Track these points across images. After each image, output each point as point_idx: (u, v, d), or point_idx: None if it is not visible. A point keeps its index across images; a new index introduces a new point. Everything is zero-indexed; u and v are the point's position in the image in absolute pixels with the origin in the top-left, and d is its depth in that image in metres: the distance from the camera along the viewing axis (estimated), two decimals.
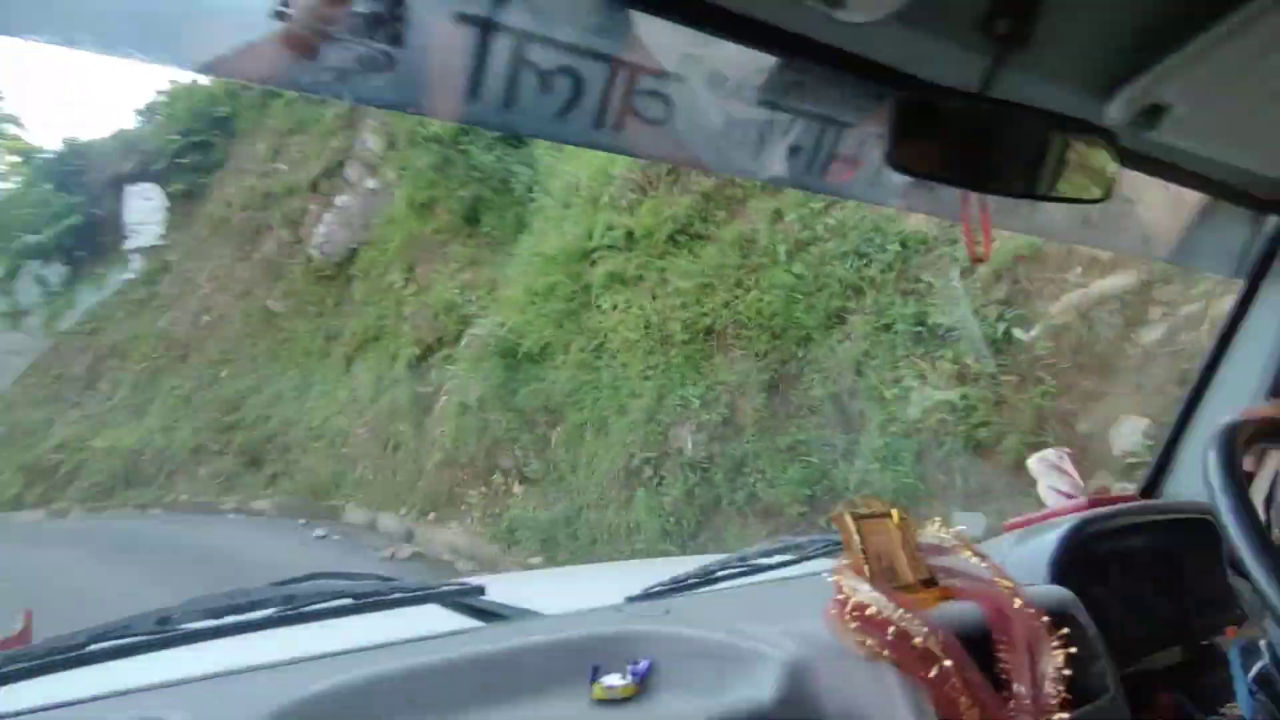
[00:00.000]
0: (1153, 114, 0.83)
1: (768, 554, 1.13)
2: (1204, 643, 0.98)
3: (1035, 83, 0.82)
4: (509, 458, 6.14)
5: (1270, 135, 0.97)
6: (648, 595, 0.97)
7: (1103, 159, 0.80)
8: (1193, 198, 1.28)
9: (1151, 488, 1.37)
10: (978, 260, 0.93)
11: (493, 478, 6.22)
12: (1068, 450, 1.10)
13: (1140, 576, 1.03)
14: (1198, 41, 0.76)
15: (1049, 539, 0.93)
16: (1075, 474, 1.08)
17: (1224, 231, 1.33)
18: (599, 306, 5.92)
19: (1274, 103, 0.89)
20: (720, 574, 1.06)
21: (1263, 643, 0.77)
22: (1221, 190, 1.16)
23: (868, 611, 0.62)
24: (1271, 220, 1.24)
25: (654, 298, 5.67)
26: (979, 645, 0.68)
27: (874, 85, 0.84)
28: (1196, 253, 1.37)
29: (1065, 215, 1.06)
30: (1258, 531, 0.64)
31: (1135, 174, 1.10)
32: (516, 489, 6.00)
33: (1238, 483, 0.68)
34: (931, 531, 0.80)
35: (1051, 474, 1.09)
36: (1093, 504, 1.03)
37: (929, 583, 0.75)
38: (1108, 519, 1.00)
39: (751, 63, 0.87)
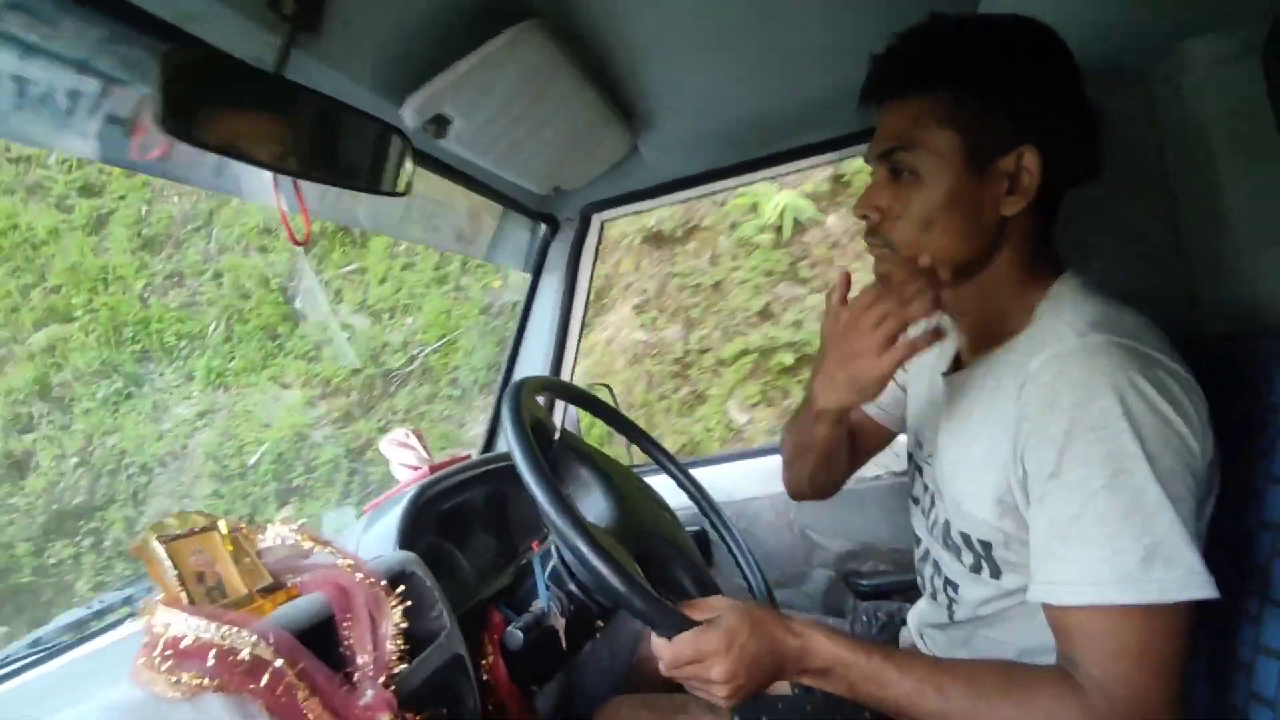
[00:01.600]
0: (440, 123, 0.96)
1: (79, 625, 0.89)
2: (523, 562, 1.23)
3: (332, 74, 0.85)
4: None
5: (527, 159, 1.25)
6: None
7: (402, 157, 0.89)
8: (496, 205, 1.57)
9: (489, 445, 1.64)
10: (298, 244, 0.91)
11: None
12: (413, 428, 1.21)
13: (477, 522, 1.22)
14: (465, 63, 0.91)
15: (396, 511, 1.00)
16: (421, 447, 1.19)
17: (517, 234, 1.68)
18: None
19: (525, 131, 1.15)
20: None
21: (553, 547, 0.99)
22: (506, 200, 1.45)
23: (183, 644, 0.54)
24: (542, 227, 1.63)
25: None
26: (327, 631, 0.68)
27: (153, 40, 0.73)
28: (501, 251, 1.67)
29: (388, 210, 1.15)
30: (534, 458, 0.80)
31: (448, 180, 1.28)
32: None
33: (521, 424, 0.85)
34: (275, 533, 0.76)
35: (400, 452, 1.18)
36: (433, 470, 1.17)
37: (273, 588, 0.70)
38: (444, 480, 1.15)
39: None
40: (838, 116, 1.37)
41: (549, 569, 0.98)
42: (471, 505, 1.23)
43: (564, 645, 0.96)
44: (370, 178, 0.85)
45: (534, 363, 1.65)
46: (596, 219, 1.63)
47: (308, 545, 0.74)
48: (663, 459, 1.20)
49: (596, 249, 1.69)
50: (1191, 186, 1.17)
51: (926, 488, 0.98)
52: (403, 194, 0.88)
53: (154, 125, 0.58)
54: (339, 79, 0.86)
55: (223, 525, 0.67)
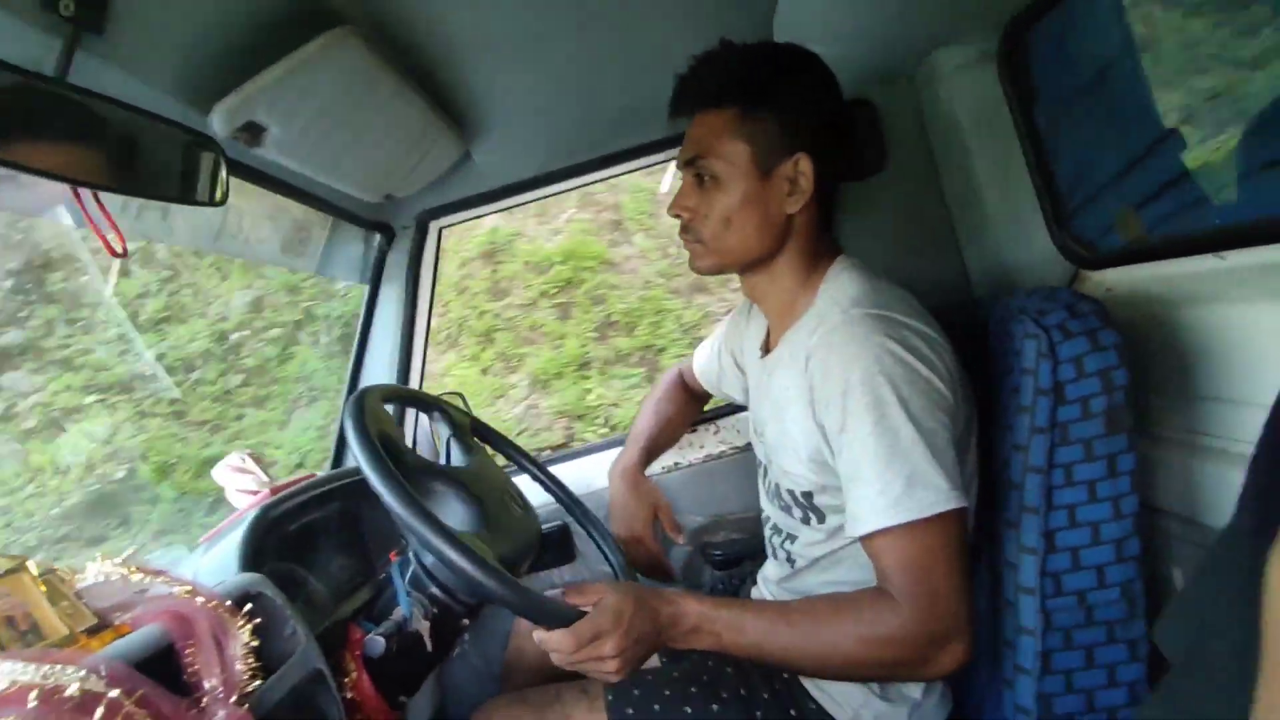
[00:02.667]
0: (253, 131, 0.93)
1: None
2: (382, 576, 1.20)
3: (127, 79, 0.80)
4: None
5: (354, 167, 1.22)
6: None
7: (214, 167, 0.85)
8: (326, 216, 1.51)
9: (338, 461, 1.57)
10: (118, 255, 0.84)
11: None
12: (248, 451, 1.14)
13: (328, 542, 1.17)
14: (276, 69, 0.88)
15: (234, 537, 0.95)
16: (260, 471, 1.13)
17: (350, 245, 1.63)
18: None
19: (349, 138, 1.13)
20: None
21: (411, 553, 0.99)
22: (336, 210, 1.40)
23: (1, 690, 0.50)
24: (376, 237, 1.59)
25: None
26: (168, 659, 0.64)
27: None
28: (334, 264, 1.60)
29: (203, 224, 1.08)
30: (383, 466, 0.80)
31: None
32: None
33: (366, 434, 0.84)
34: (97, 570, 0.70)
35: (236, 477, 1.11)
36: (274, 492, 1.11)
37: (99, 628, 0.65)
38: (287, 500, 1.09)
39: None
40: (663, 118, 1.46)
41: (409, 576, 0.97)
42: (321, 525, 1.18)
43: (429, 648, 0.96)
44: (180, 189, 0.81)
45: (380, 369, 1.60)
46: (434, 226, 1.62)
47: (138, 579, 0.70)
48: (521, 459, 1.23)
49: (436, 256, 1.67)
50: (953, 174, 1.38)
51: (760, 460, 1.10)
52: (218, 204, 0.84)
53: None
54: (136, 85, 0.81)
55: (32, 566, 0.62)
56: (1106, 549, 0.85)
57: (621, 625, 0.78)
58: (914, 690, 0.96)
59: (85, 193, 0.72)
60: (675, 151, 1.56)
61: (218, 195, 0.84)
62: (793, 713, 0.97)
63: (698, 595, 0.86)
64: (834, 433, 0.85)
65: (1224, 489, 0.88)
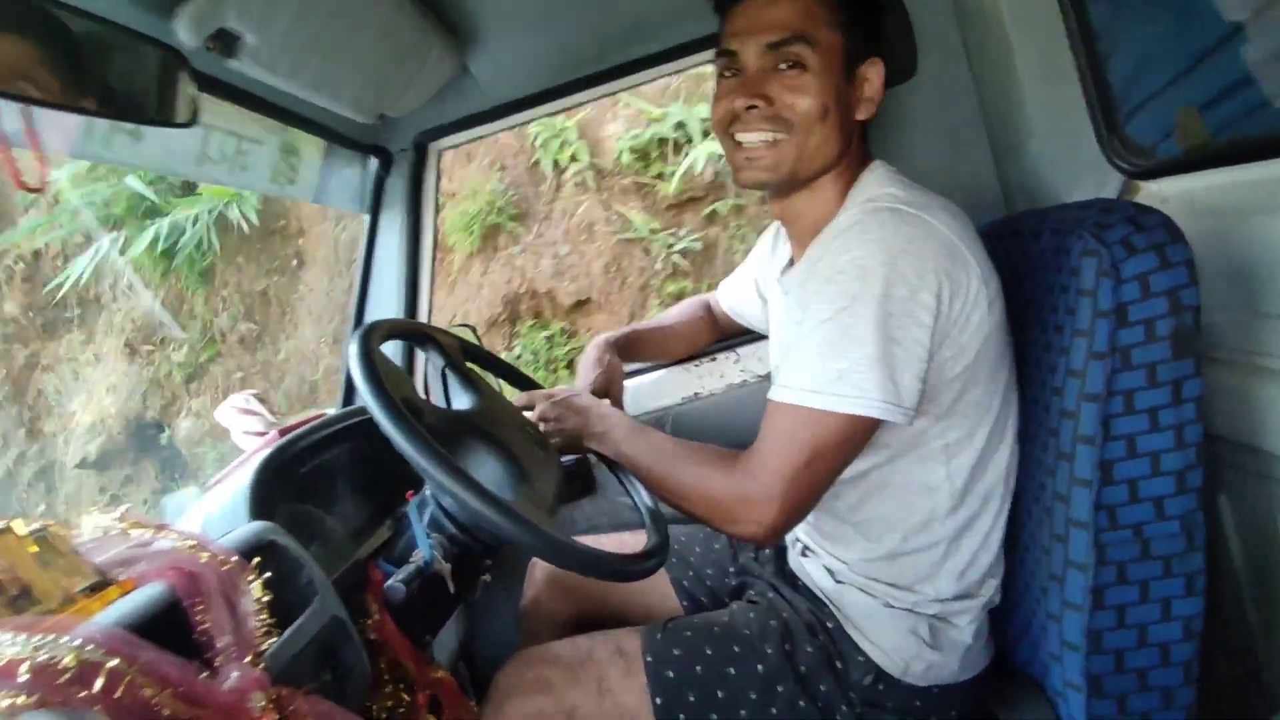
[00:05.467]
0: (227, 40, 0.83)
1: None
2: (400, 515, 1.17)
3: None
4: None
5: (344, 83, 1.12)
6: None
7: (180, 83, 0.76)
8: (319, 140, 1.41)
9: (348, 399, 1.53)
10: (31, 190, 0.75)
11: None
12: (253, 391, 1.10)
13: (344, 480, 1.14)
14: None
15: (245, 482, 0.91)
16: (267, 411, 1.09)
17: (346, 172, 1.53)
18: None
19: (335, 49, 1.02)
20: None
21: (428, 493, 0.95)
22: (326, 132, 1.30)
23: None
24: (373, 161, 1.49)
25: None
26: (174, 619, 0.61)
27: None
28: (332, 192, 1.51)
29: (179, 148, 0.99)
30: (391, 405, 0.76)
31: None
32: None
33: (373, 371, 0.79)
34: (94, 524, 0.66)
35: (242, 419, 1.07)
36: (283, 434, 1.07)
37: (101, 585, 0.62)
38: (298, 441, 1.05)
39: None
40: (673, 26, 1.33)
41: (427, 517, 0.94)
42: (335, 464, 1.15)
43: (452, 590, 0.94)
44: (142, 108, 0.72)
45: (384, 311, 1.54)
46: (433, 148, 1.51)
47: (138, 533, 0.66)
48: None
49: (437, 180, 1.57)
50: (990, 75, 1.25)
51: None
52: (186, 125, 0.76)
53: None
54: None
55: (19, 526, 0.58)
56: (1167, 480, 0.80)
57: (560, 409, 1.04)
58: (964, 635, 0.93)
59: (8, 109, 0.63)
60: (691, 59, 1.45)
61: (185, 115, 0.75)
62: (838, 665, 0.94)
63: (621, 416, 1.02)
64: (803, 307, 0.83)
65: None
